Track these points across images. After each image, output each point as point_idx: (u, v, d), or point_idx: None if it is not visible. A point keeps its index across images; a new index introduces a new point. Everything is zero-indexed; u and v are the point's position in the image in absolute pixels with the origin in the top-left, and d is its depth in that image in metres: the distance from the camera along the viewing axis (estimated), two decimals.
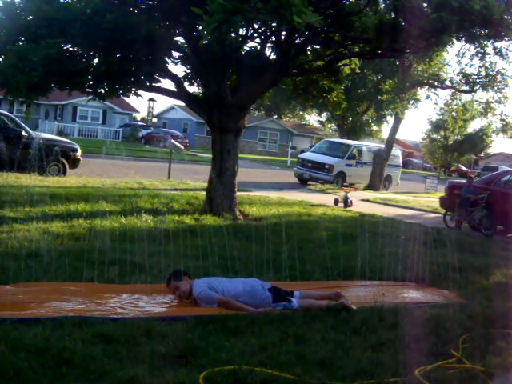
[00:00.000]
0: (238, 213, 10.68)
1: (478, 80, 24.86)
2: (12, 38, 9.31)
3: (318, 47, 11.54)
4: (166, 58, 10.35)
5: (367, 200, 18.25)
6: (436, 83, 25.84)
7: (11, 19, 9.31)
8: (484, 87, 24.95)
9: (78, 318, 4.36)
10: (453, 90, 26.51)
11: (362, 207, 15.32)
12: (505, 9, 8.91)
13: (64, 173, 15.00)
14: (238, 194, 11.29)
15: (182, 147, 21.45)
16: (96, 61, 9.53)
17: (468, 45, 22.38)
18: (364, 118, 38.80)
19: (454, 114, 31.90)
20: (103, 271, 5.73)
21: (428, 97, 27.81)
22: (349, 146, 25.02)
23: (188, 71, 11.38)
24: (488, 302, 6.03)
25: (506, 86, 25.23)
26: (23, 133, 14.43)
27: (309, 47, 11.35)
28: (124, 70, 9.24)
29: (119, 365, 3.62)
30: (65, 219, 8.24)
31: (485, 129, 38.15)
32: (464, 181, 15.10)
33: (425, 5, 9.55)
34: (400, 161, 27.98)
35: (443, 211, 14.25)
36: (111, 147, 31.35)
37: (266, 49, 10.89)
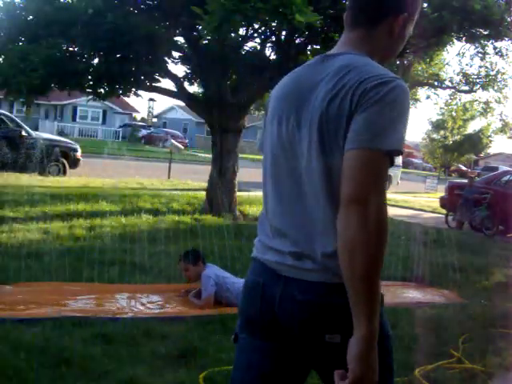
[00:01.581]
0: (238, 213, 10.67)
1: (477, 80, 24.86)
2: (12, 38, 9.31)
3: (318, 47, 11.53)
4: (166, 58, 10.34)
5: None
6: (436, 83, 25.81)
7: (11, 19, 9.32)
8: (484, 87, 24.95)
9: (77, 318, 4.36)
10: (453, 90, 26.51)
11: None
12: (505, 9, 8.92)
13: (64, 173, 15.00)
14: (238, 193, 11.28)
15: (182, 147, 21.44)
16: (96, 61, 9.54)
17: (468, 45, 22.33)
18: None
19: (453, 113, 31.86)
20: (103, 271, 5.72)
21: (428, 97, 27.79)
22: None
23: (188, 71, 11.37)
24: (488, 302, 6.03)
25: (506, 86, 25.26)
26: (23, 133, 14.43)
27: (309, 47, 11.34)
28: (124, 71, 9.24)
29: (119, 365, 3.61)
30: (65, 219, 8.24)
31: (484, 129, 38.13)
32: (464, 181, 15.09)
33: (425, 5, 9.55)
34: (400, 161, 27.94)
35: (443, 211, 14.23)
36: (111, 147, 31.34)
37: (266, 49, 10.89)
